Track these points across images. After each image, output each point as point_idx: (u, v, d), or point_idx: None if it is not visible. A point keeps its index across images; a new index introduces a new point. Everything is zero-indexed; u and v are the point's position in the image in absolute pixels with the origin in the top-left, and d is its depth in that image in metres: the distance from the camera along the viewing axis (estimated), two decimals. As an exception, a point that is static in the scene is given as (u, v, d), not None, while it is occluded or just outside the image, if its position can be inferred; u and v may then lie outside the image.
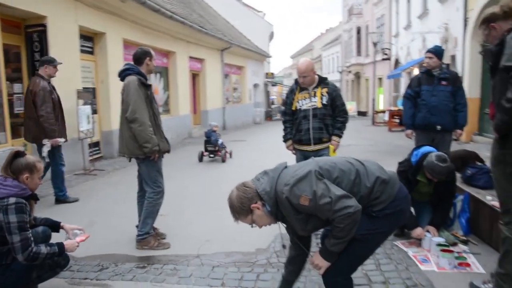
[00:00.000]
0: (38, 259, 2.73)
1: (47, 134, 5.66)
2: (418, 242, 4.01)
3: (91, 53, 9.74)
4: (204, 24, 16.47)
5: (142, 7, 10.44)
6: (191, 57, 15.69)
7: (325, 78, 4.59)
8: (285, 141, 4.77)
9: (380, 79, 27.57)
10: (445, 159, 3.74)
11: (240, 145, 12.44)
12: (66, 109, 8.10)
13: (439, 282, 3.25)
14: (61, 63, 6.34)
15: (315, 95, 4.45)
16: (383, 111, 20.60)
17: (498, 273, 2.90)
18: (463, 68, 12.36)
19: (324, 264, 2.42)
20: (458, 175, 4.47)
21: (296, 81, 4.60)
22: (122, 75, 4.13)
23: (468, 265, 3.52)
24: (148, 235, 4.08)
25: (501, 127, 2.65)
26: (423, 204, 4.25)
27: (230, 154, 9.92)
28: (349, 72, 35.77)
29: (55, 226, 3.22)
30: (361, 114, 31.16)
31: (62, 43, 8.11)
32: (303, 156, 4.56)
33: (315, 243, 3.42)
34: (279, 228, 2.61)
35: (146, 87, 4.10)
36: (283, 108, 15.14)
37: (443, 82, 5.11)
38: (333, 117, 4.51)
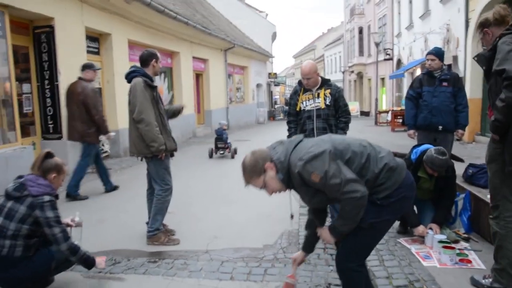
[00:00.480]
0: (77, 254, 2.98)
1: (103, 131, 6.31)
2: (421, 239, 4.12)
3: (97, 53, 9.88)
4: (207, 24, 16.60)
5: (147, 8, 10.57)
6: (194, 57, 15.82)
7: (328, 80, 4.70)
8: (289, 141, 4.87)
9: (382, 79, 27.66)
10: (443, 152, 3.89)
11: (244, 144, 12.55)
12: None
13: (441, 277, 3.36)
14: (100, 69, 6.62)
15: (318, 96, 4.55)
16: (386, 111, 20.69)
17: (494, 269, 3.04)
18: (465, 68, 12.46)
19: (329, 239, 2.54)
20: (459, 174, 4.58)
21: (300, 83, 4.70)
22: (129, 77, 4.26)
23: (469, 261, 3.63)
24: (158, 231, 4.21)
25: (498, 127, 2.78)
26: (425, 202, 4.37)
27: (235, 150, 10.29)
28: (352, 72, 35.84)
29: None
30: (364, 114, 31.25)
31: (69, 43, 8.25)
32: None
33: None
34: (290, 196, 2.76)
35: (151, 88, 4.22)
36: (286, 108, 15.50)
37: (444, 83, 5.21)
38: (336, 118, 4.63)
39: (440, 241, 3.83)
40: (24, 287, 3.00)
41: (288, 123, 4.86)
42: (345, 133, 4.65)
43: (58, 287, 3.26)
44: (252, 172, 2.47)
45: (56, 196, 3.09)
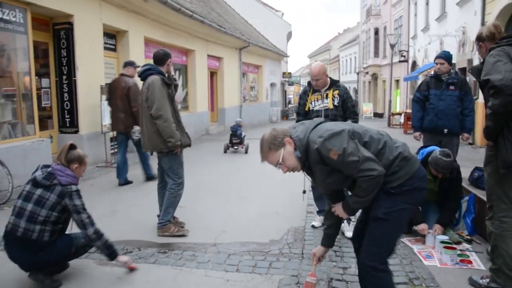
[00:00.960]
0: (102, 239, 3.22)
1: (139, 122, 6.67)
2: (423, 239, 4.21)
3: (114, 50, 10.10)
4: (223, 23, 16.75)
5: (163, 6, 10.75)
6: (209, 56, 15.99)
7: (337, 81, 4.80)
8: (298, 140, 4.97)
9: (397, 81, 27.53)
10: (448, 154, 3.97)
11: (256, 143, 12.64)
12: (90, 104, 8.50)
13: (441, 276, 3.44)
14: (139, 66, 7.13)
15: (327, 97, 4.66)
16: (399, 113, 20.63)
17: (491, 269, 3.14)
18: (480, 72, 12.40)
19: (343, 214, 2.61)
20: (465, 177, 4.65)
21: (309, 83, 4.82)
22: (144, 74, 4.41)
23: (470, 262, 3.71)
24: (169, 222, 4.37)
25: (489, 133, 2.98)
26: (430, 204, 4.45)
27: (247, 147, 10.83)
28: (366, 73, 35.70)
29: None
30: (378, 115, 31.14)
31: (87, 40, 8.47)
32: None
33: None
34: (304, 177, 2.83)
35: (168, 86, 4.38)
36: None
37: (451, 87, 5.28)
38: (344, 118, 4.73)
39: (442, 242, 3.91)
40: (47, 269, 3.21)
41: (297, 122, 4.96)
42: None
43: (73, 272, 3.44)
44: (271, 144, 2.50)
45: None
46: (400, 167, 2.44)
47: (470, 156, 9.68)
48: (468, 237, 4.27)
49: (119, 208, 5.45)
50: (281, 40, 29.82)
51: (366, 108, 32.09)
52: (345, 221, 4.20)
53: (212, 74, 17.32)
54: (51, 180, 3.13)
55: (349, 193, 2.65)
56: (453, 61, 15.35)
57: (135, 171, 8.04)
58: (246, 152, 10.80)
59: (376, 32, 32.93)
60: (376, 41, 33.04)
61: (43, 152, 7.09)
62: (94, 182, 6.99)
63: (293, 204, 5.55)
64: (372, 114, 31.26)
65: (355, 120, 4.75)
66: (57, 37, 8.15)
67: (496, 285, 3.10)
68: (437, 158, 4.00)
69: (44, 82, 8.05)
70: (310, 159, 2.47)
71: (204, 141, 13.50)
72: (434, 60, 5.45)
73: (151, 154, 4.63)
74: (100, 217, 4.20)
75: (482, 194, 4.46)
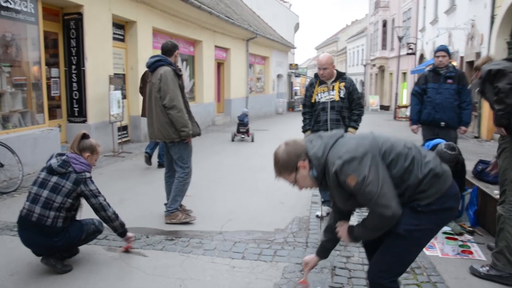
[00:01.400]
0: (118, 219, 3.45)
1: None
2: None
3: (122, 40, 10.17)
4: (231, 14, 16.75)
5: (172, -3, 10.80)
6: (216, 46, 16.03)
7: (343, 73, 4.86)
8: (304, 131, 5.04)
9: (404, 73, 27.41)
10: (453, 147, 4.02)
11: (262, 134, 12.77)
12: (99, 94, 8.60)
13: (441, 266, 3.52)
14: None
15: (333, 89, 4.72)
16: (406, 106, 20.59)
17: (493, 253, 3.23)
18: (488, 65, 12.35)
19: (345, 237, 2.45)
20: (469, 170, 4.69)
21: (316, 75, 4.87)
22: (154, 65, 4.46)
23: (470, 252, 3.78)
24: (176, 210, 4.47)
25: (500, 116, 3.20)
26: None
27: (252, 138, 11.26)
28: (374, 65, 35.54)
29: None
30: (384, 108, 31.07)
31: (96, 30, 8.55)
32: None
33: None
34: (320, 198, 2.74)
35: (178, 76, 4.45)
36: None
37: (449, 81, 5.35)
38: (349, 110, 4.79)
39: (444, 232, 3.97)
40: (58, 254, 3.33)
41: (303, 114, 5.03)
42: (358, 125, 4.80)
43: (83, 258, 3.55)
44: (284, 168, 2.34)
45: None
46: (431, 184, 2.20)
47: (476, 150, 9.70)
48: (470, 229, 4.33)
49: (127, 196, 5.55)
50: (289, 31, 29.74)
51: (372, 100, 32.00)
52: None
53: (219, 65, 17.36)
54: (66, 168, 3.23)
55: None
56: (461, 54, 15.33)
57: (141, 160, 8.15)
58: (252, 140, 11.20)
59: (384, 24, 32.72)
60: (384, 33, 32.84)
61: (52, 140, 7.21)
62: (102, 171, 7.09)
63: (297, 194, 5.60)
64: (378, 107, 31.18)
65: (360, 112, 4.82)
66: (67, 28, 8.24)
67: (495, 272, 3.19)
68: (442, 151, 4.04)
69: (54, 72, 8.16)
70: (328, 180, 2.28)
71: (210, 131, 13.59)
72: (435, 54, 5.50)
73: (158, 145, 4.71)
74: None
75: (485, 187, 4.53)
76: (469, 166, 4.58)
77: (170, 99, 4.29)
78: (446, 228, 4.09)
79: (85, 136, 3.44)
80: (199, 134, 4.68)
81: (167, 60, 4.47)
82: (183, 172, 4.52)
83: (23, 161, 6.04)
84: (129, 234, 3.65)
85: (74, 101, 8.38)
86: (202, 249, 3.81)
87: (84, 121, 8.36)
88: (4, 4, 6.43)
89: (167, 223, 4.44)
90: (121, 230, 3.52)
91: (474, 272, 3.32)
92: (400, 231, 2.21)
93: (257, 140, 11.20)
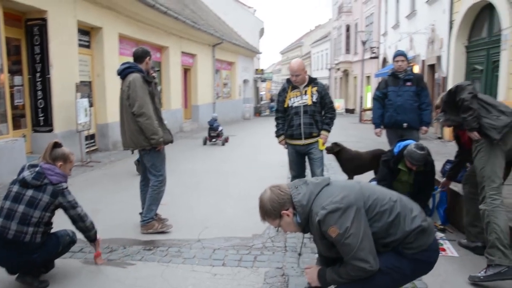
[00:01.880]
0: (94, 228, 3.41)
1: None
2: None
3: (88, 47, 9.96)
4: (197, 19, 16.69)
5: (138, 3, 10.68)
6: (183, 52, 15.94)
7: (315, 78, 4.96)
8: (277, 136, 5.08)
9: (368, 77, 28.04)
10: (422, 147, 4.16)
11: (231, 139, 12.75)
12: (65, 102, 8.38)
13: (418, 264, 3.61)
14: (159, 70, 7.34)
15: (305, 93, 4.79)
16: (370, 109, 21.03)
17: (486, 251, 3.32)
18: (448, 68, 12.81)
19: (314, 280, 2.45)
20: (437, 170, 4.85)
21: (288, 80, 4.93)
22: (124, 73, 4.40)
23: (443, 249, 3.91)
24: (152, 219, 4.40)
25: (470, 120, 3.43)
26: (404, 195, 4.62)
27: (227, 139, 11.79)
28: (338, 69, 36.19)
29: None
30: (349, 111, 31.66)
31: (61, 37, 8.34)
32: (294, 150, 4.92)
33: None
34: (303, 239, 2.74)
35: (148, 83, 4.40)
36: (272, 104, 17.30)
37: (408, 83, 5.60)
38: (321, 114, 4.88)
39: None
40: (34, 271, 3.19)
41: (276, 119, 5.07)
42: (330, 128, 4.89)
43: (59, 272, 3.43)
44: (268, 215, 2.38)
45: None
46: (416, 238, 2.29)
47: (440, 150, 10.00)
48: (441, 227, 4.48)
49: (100, 207, 5.42)
50: (254, 36, 29.88)
51: (337, 104, 32.50)
52: None
53: (186, 71, 17.26)
54: (41, 180, 3.10)
55: None
56: (423, 58, 15.83)
57: (111, 169, 8.00)
58: (223, 144, 11.60)
59: (348, 29, 33.40)
60: (348, 37, 33.51)
61: (17, 151, 6.96)
62: (71, 181, 6.83)
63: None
64: (343, 110, 31.75)
65: (333, 116, 4.91)
66: (30, 34, 7.99)
67: (493, 271, 3.18)
68: (412, 151, 4.17)
69: (17, 79, 7.89)
70: (311, 227, 2.32)
71: (179, 138, 13.45)
72: (394, 59, 5.71)
73: (132, 153, 4.65)
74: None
75: (454, 186, 4.69)
76: (437, 166, 4.73)
77: (138, 106, 4.23)
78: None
79: (57, 145, 3.32)
80: (171, 141, 4.63)
81: (137, 67, 4.41)
82: (156, 180, 4.47)
83: (-13, 173, 5.81)
84: (98, 236, 3.55)
85: (39, 110, 8.13)
86: (182, 257, 3.77)
87: (51, 130, 8.12)
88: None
89: (143, 233, 4.37)
90: (93, 238, 3.47)
91: (474, 280, 3.24)
92: (381, 268, 2.25)
93: (227, 145, 11.40)
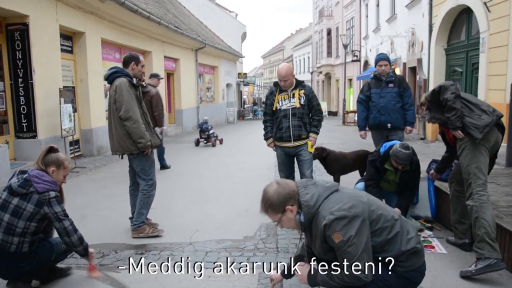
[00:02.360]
0: (84, 243, 3.12)
1: (159, 124, 7.73)
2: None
3: (71, 52, 9.85)
4: (179, 24, 16.68)
5: (120, 8, 10.61)
6: (166, 57, 15.90)
7: (302, 81, 5.03)
8: (266, 139, 5.13)
9: (350, 80, 28.36)
10: (407, 147, 4.24)
11: (217, 143, 12.76)
12: (49, 107, 8.27)
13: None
14: (162, 78, 7.48)
15: (293, 96, 4.85)
16: (354, 111, 21.27)
17: (475, 245, 3.39)
18: (429, 70, 13.07)
19: (304, 280, 2.47)
20: (422, 169, 4.95)
21: (276, 84, 4.98)
22: (111, 77, 4.39)
23: (432, 247, 3.99)
24: (143, 224, 4.38)
25: (454, 120, 3.54)
26: (391, 195, 4.71)
27: (221, 141, 12.57)
28: (320, 72, 36.50)
29: None
30: (332, 114, 31.95)
31: (43, 41, 8.25)
32: (283, 152, 4.97)
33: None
34: (300, 239, 2.72)
35: (135, 87, 4.39)
36: (255, 107, 17.77)
37: (390, 85, 5.73)
38: (309, 116, 4.94)
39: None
40: (27, 278, 3.13)
41: (265, 122, 5.11)
42: (319, 130, 4.95)
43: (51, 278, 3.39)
44: (272, 208, 2.35)
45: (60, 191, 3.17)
46: (408, 258, 2.36)
47: (423, 150, 10.20)
48: (429, 225, 4.57)
49: (88, 212, 5.37)
50: (236, 41, 29.99)
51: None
52: None
53: (169, 76, 17.19)
54: (27, 188, 2.94)
55: None
56: (404, 60, 16.10)
57: (96, 175, 7.92)
58: (213, 145, 12.18)
59: (329, 32, 33.75)
60: (329, 41, 33.86)
61: (0, 158, 6.84)
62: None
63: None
64: (326, 113, 32.01)
65: (320, 118, 4.98)
66: (11, 39, 7.88)
67: (483, 263, 3.26)
68: (397, 150, 4.25)
69: (-2, 85, 7.77)
70: (313, 229, 2.34)
71: (164, 143, 13.36)
72: (377, 63, 5.82)
73: (121, 158, 4.62)
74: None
75: (439, 185, 4.79)
76: (421, 166, 4.81)
77: (125, 110, 4.22)
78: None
79: (52, 150, 3.17)
80: (159, 145, 4.63)
81: (124, 71, 4.41)
82: (146, 185, 4.45)
83: (-30, 181, 5.70)
84: (90, 250, 3.27)
85: (22, 115, 8.02)
86: (175, 261, 3.76)
87: (34, 137, 8.01)
88: None
89: (134, 237, 4.35)
90: (82, 253, 3.19)
91: (466, 274, 3.32)
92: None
93: (213, 149, 11.52)
